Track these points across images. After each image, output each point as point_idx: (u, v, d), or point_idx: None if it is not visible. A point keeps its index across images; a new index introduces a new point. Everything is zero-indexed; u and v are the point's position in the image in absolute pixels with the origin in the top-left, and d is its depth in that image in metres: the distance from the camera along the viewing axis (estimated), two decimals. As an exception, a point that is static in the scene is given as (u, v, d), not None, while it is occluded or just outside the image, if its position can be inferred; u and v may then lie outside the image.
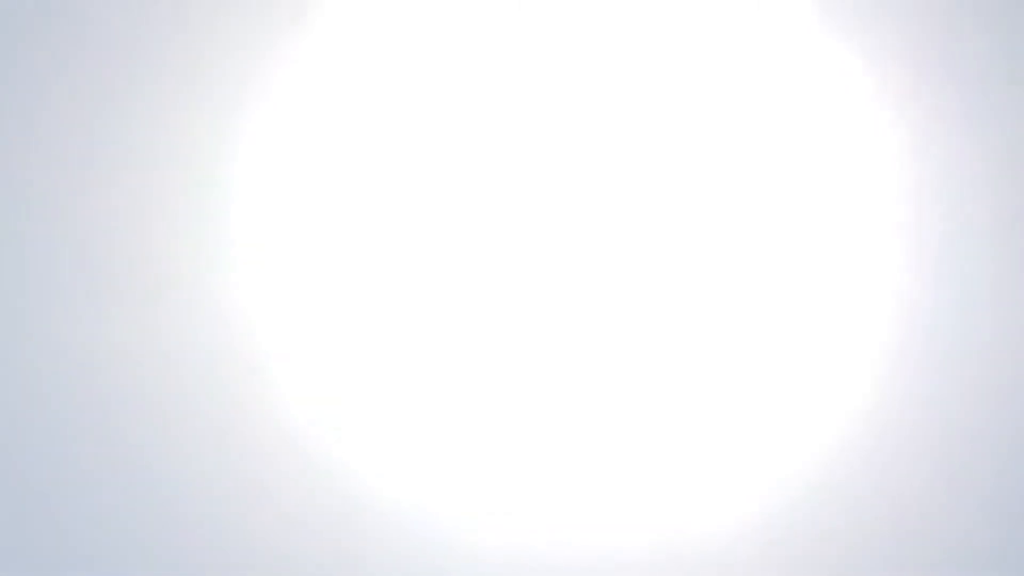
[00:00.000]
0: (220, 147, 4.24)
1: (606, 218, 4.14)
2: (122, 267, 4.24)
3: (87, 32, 4.24)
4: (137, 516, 4.27)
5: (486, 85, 4.12)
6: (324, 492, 4.20)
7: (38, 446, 4.29)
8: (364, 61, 4.18)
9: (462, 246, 4.12)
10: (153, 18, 4.23)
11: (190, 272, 4.23)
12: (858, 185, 4.19)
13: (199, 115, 4.23)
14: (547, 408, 4.13)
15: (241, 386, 4.23)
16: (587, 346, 4.11)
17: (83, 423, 4.29)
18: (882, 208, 4.19)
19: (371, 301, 4.17)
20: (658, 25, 4.12)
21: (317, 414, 4.19)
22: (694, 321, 4.16)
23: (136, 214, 4.23)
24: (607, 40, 4.16)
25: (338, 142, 4.20)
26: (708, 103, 4.17)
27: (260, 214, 4.22)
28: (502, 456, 4.11)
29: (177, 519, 4.25)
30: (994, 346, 4.19)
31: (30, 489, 4.31)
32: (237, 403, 4.22)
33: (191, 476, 4.26)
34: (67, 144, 4.25)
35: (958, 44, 4.19)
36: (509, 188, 4.12)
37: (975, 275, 4.19)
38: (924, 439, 4.19)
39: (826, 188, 4.19)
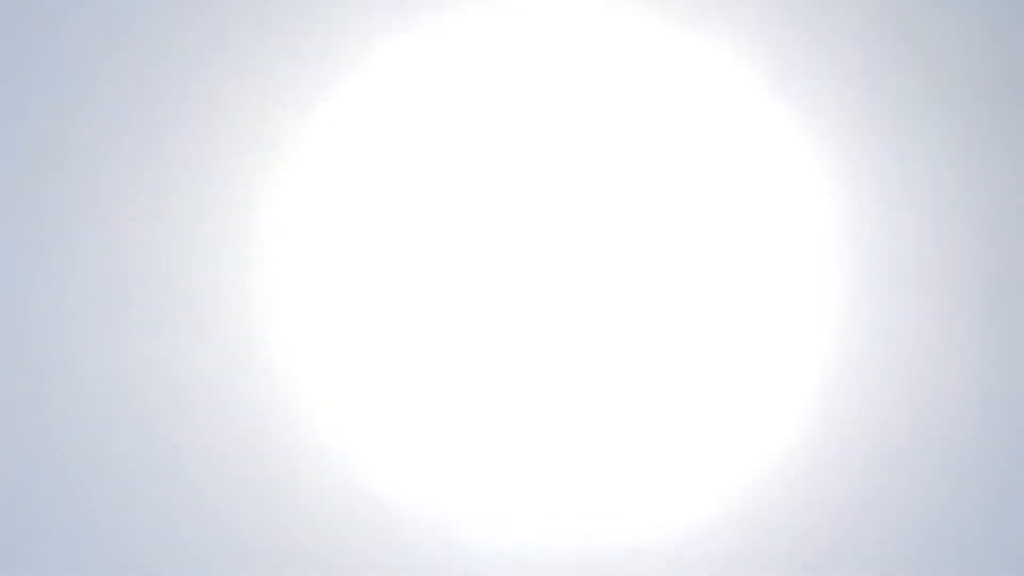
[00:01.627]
0: (258, 180, 4.55)
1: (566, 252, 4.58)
2: (159, 292, 4.51)
3: (139, 71, 4.53)
4: (164, 525, 4.51)
5: (501, 137, 4.55)
6: (348, 500, 4.50)
7: (81, 455, 4.52)
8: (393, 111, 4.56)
9: (480, 275, 4.54)
10: (203, 56, 4.55)
11: (226, 300, 4.52)
12: (798, 205, 4.58)
13: (240, 152, 4.53)
14: (543, 421, 4.54)
15: (271, 402, 4.53)
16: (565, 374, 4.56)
17: (122, 440, 4.52)
18: (822, 231, 4.57)
19: (395, 327, 4.53)
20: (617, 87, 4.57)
21: (343, 427, 4.51)
22: (657, 333, 4.54)
23: (175, 242, 4.52)
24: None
25: (370, 178, 4.55)
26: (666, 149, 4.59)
27: (292, 242, 4.55)
28: (512, 460, 4.52)
29: (205, 524, 4.51)
30: (933, 353, 4.56)
31: (70, 494, 4.52)
32: (268, 420, 4.52)
33: (220, 485, 4.52)
34: (115, 181, 4.53)
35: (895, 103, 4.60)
36: (522, 223, 4.56)
37: (913, 287, 4.55)
38: (870, 439, 4.52)
39: (769, 213, 4.58)
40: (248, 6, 4.58)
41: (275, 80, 4.56)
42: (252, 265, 4.56)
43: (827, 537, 4.51)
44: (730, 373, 4.52)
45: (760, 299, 4.54)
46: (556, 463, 4.52)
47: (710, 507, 4.50)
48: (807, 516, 4.51)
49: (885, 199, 4.57)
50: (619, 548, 4.49)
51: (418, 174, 4.57)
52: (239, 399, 4.53)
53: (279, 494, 4.51)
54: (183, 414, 4.53)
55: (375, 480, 4.51)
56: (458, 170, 4.57)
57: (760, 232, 4.57)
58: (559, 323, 4.55)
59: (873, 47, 4.59)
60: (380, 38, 4.57)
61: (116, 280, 4.56)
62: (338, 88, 4.58)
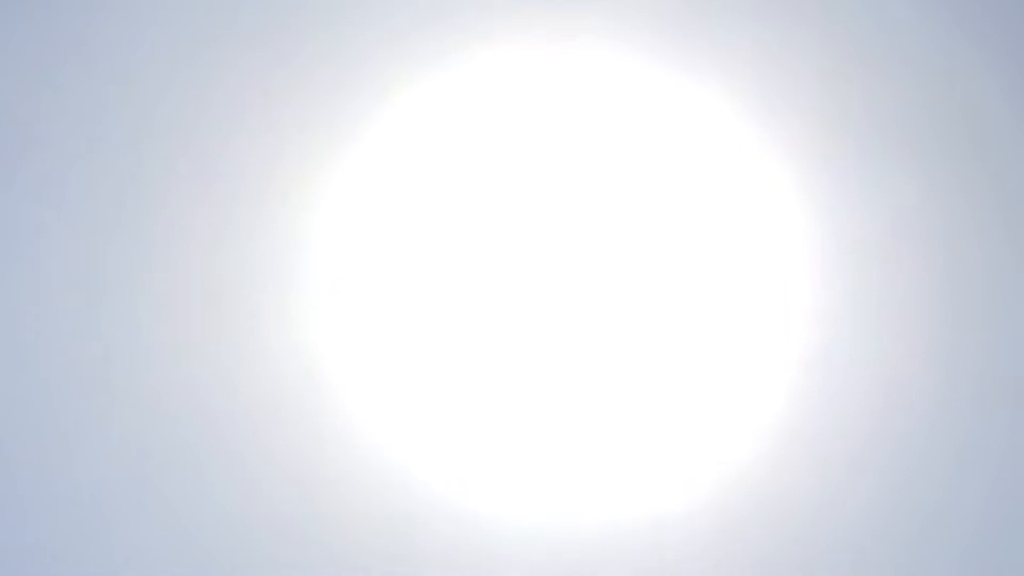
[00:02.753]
0: (302, 199, 4.75)
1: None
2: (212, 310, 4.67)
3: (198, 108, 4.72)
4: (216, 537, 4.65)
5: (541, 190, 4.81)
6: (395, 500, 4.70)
7: (140, 468, 4.63)
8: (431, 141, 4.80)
9: (497, 288, 4.78)
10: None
11: (274, 314, 4.69)
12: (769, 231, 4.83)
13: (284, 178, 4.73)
14: (552, 419, 4.77)
15: (318, 415, 4.71)
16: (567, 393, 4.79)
17: (172, 454, 4.65)
18: (800, 248, 4.82)
19: (422, 336, 4.76)
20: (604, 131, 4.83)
21: (381, 423, 4.71)
22: (657, 340, 4.79)
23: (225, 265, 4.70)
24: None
25: (402, 196, 4.78)
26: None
27: (336, 260, 4.74)
28: (523, 451, 4.75)
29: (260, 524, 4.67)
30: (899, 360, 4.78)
31: (128, 510, 4.63)
32: (314, 422, 4.69)
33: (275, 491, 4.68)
34: (175, 204, 4.70)
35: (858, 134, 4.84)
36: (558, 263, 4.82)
37: (877, 293, 4.80)
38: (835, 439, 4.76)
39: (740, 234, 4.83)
40: (296, 49, 4.72)
41: (320, 110, 4.73)
42: (299, 278, 4.70)
43: (811, 517, 4.70)
44: (722, 373, 4.73)
45: (747, 310, 4.76)
46: (563, 454, 4.71)
47: (701, 490, 4.69)
48: (792, 499, 4.69)
49: (855, 226, 4.78)
50: (614, 528, 4.68)
51: (442, 194, 4.75)
52: (286, 401, 4.65)
53: (324, 493, 4.64)
54: (234, 415, 4.64)
55: (416, 474, 4.68)
56: (473, 191, 4.76)
57: (747, 250, 4.77)
58: (573, 338, 4.74)
59: (854, 95, 4.80)
60: (412, 78, 4.76)
61: (176, 292, 4.65)
62: (375, 119, 4.75)
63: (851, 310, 4.77)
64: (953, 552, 4.69)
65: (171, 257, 4.68)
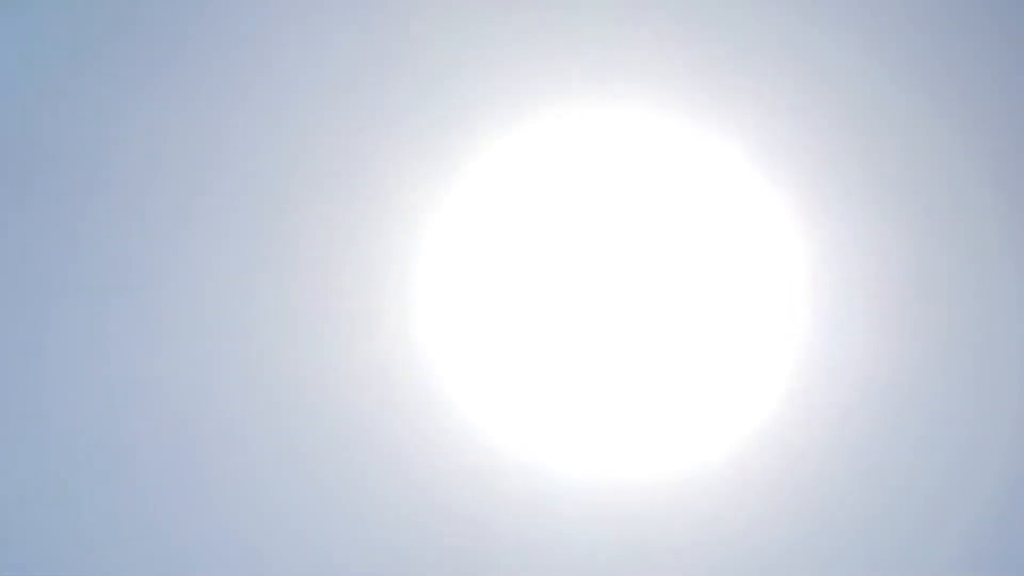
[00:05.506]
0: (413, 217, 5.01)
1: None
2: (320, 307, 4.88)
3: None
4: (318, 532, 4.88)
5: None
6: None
7: (245, 462, 4.79)
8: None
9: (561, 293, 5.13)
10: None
11: (380, 308, 4.93)
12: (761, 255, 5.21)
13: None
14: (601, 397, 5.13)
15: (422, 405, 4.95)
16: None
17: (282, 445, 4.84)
18: (800, 268, 5.22)
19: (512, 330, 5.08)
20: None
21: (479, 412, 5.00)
22: (681, 331, 5.20)
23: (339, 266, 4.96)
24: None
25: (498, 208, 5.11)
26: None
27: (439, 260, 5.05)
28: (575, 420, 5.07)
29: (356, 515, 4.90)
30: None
31: (229, 501, 4.78)
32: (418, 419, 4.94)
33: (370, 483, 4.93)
34: (298, 208, 4.96)
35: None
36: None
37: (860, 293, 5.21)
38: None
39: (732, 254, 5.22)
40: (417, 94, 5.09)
41: (438, 142, 5.09)
42: (411, 281, 4.99)
43: (820, 471, 5.10)
44: (744, 358, 5.17)
45: (762, 311, 5.20)
46: (614, 420, 5.11)
47: (728, 447, 5.14)
48: (801, 455, 5.10)
49: (844, 243, 5.23)
50: (656, 479, 5.08)
51: (526, 215, 5.17)
52: (395, 389, 4.89)
53: (421, 492, 4.92)
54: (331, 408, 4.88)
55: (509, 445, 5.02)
56: (532, 217, 5.19)
57: (761, 265, 5.18)
58: (615, 342, 5.14)
59: (844, 139, 5.22)
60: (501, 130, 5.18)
61: (303, 295, 4.93)
62: (484, 148, 5.17)
63: (842, 303, 5.24)
64: (955, 509, 5.10)
65: (301, 267, 4.99)
